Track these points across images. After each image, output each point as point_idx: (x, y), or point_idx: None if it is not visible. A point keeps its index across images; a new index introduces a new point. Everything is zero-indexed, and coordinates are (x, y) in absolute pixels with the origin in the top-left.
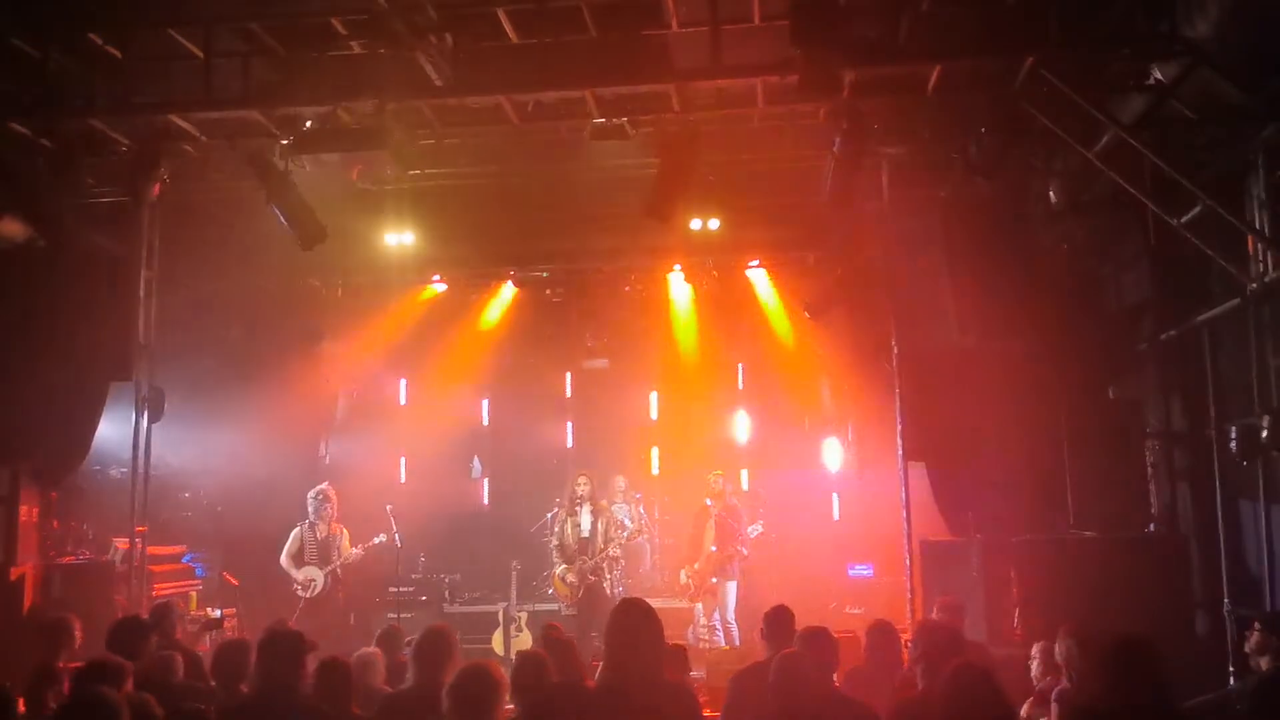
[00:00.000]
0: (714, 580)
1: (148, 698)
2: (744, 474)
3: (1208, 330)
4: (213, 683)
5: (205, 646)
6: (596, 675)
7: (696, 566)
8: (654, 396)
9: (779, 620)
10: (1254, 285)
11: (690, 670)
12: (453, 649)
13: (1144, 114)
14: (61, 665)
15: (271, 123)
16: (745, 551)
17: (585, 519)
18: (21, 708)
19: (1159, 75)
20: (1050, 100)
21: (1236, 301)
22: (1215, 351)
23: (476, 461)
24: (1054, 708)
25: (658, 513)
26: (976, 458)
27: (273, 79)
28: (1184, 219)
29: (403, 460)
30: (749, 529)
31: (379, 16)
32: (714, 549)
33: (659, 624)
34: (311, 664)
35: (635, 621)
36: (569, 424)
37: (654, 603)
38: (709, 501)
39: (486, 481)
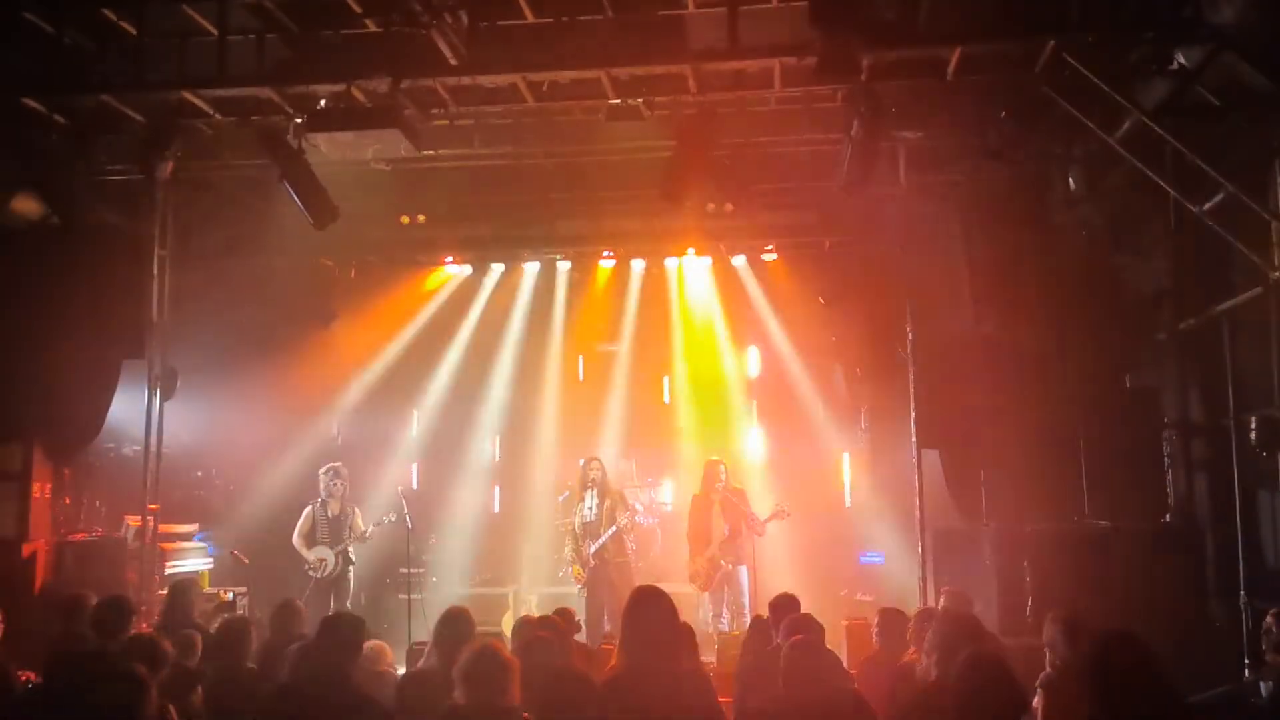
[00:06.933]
0: (728, 566)
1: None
2: (756, 459)
3: (1228, 320)
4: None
5: None
6: (613, 658)
7: (709, 553)
8: (666, 381)
9: (786, 608)
10: (1276, 274)
11: (699, 654)
12: (473, 631)
13: (1167, 99)
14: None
15: (285, 101)
16: (760, 533)
17: (592, 502)
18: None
19: (1183, 60)
20: (1072, 85)
21: (1258, 291)
22: (1235, 341)
23: (489, 444)
24: (1040, 695)
25: (669, 497)
26: (991, 446)
27: (287, 57)
28: (1206, 206)
29: (414, 439)
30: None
31: None
32: (727, 531)
33: (674, 611)
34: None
35: (651, 609)
36: (580, 407)
37: (663, 587)
38: (719, 485)
39: (498, 460)
